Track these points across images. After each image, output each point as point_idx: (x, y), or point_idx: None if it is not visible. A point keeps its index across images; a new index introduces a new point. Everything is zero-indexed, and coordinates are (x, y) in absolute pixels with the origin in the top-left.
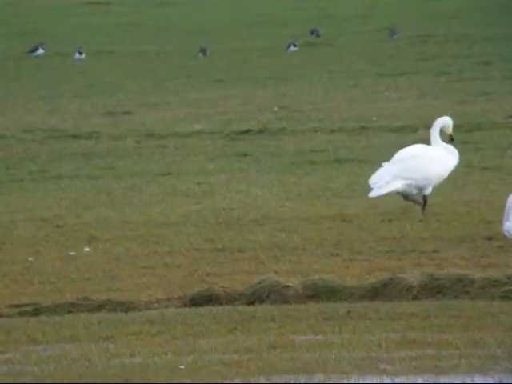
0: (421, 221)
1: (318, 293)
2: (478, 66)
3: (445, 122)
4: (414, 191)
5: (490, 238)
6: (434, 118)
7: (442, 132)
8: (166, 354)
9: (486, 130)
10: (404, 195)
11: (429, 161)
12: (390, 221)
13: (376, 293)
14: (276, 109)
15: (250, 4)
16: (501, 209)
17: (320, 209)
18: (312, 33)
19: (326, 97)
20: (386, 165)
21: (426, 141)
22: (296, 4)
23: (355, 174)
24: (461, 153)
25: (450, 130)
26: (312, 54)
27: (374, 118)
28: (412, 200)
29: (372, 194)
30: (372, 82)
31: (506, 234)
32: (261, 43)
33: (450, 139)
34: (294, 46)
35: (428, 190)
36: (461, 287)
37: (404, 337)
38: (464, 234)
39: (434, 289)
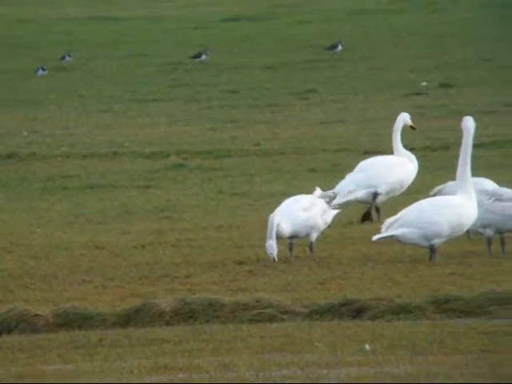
0: (173, 246)
1: (70, 321)
2: (225, 94)
3: (403, 119)
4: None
5: (240, 263)
6: (185, 144)
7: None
8: None
9: (234, 157)
10: (364, 202)
11: (388, 169)
12: (143, 246)
13: (128, 319)
14: (25, 133)
15: None
16: (250, 234)
17: (72, 235)
18: (63, 57)
19: (78, 122)
20: (348, 175)
21: (178, 166)
22: (44, 27)
23: (108, 199)
24: (210, 179)
25: (409, 123)
26: (62, 79)
27: (127, 144)
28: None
29: (334, 203)
30: (124, 107)
31: (268, 252)
32: (8, 66)
33: (412, 129)
34: (43, 69)
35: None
36: (212, 311)
37: (156, 362)
38: (215, 258)
39: (186, 314)
